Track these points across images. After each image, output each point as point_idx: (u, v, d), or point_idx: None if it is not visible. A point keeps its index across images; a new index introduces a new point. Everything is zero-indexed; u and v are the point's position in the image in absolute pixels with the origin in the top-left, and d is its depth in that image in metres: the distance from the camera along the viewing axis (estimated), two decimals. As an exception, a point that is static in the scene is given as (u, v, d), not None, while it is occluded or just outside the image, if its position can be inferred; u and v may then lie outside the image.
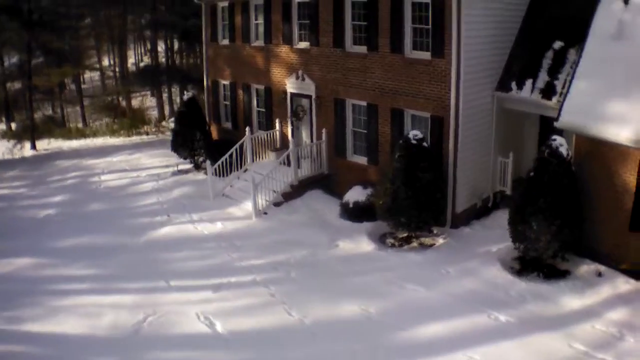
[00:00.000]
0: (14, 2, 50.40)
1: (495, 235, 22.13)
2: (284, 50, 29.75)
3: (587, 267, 19.61)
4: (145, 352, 16.90)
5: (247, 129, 30.39)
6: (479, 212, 24.70)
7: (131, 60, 79.45)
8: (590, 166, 19.86)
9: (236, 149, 29.99)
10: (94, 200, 31.77)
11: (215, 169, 29.62)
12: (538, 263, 19.79)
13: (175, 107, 57.49)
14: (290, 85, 29.68)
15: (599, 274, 19.18)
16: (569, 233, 18.91)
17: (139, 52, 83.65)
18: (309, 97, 28.82)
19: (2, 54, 58.04)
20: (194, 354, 16.63)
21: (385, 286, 19.62)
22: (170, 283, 21.01)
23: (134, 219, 28.12)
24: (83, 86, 72.72)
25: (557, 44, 23.04)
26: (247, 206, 26.71)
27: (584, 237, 19.66)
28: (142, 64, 77.43)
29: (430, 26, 22.99)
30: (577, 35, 22.18)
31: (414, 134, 21.92)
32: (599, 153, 19.71)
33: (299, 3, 28.62)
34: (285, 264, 21.79)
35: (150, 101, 64.76)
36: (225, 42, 34.30)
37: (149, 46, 71.32)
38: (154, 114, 61.24)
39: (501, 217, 22.81)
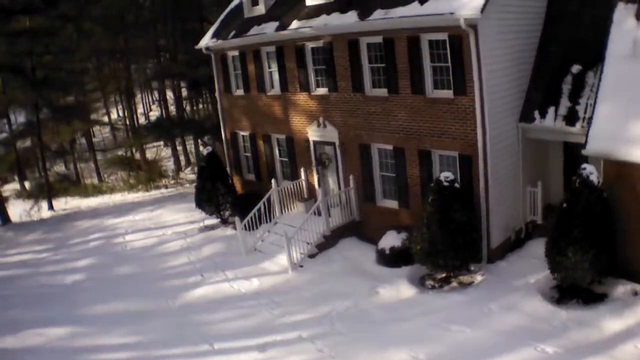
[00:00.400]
0: (18, 61, 51.62)
1: (531, 266, 22.89)
2: (302, 97, 30.35)
3: (623, 288, 20.28)
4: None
5: (273, 181, 31.04)
6: (513, 244, 25.43)
7: (140, 110, 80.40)
8: (621, 188, 20.52)
9: (264, 203, 30.63)
10: (122, 263, 32.34)
11: (245, 224, 30.12)
12: (576, 289, 20.55)
13: (191, 157, 58.80)
14: (312, 133, 30.31)
15: (635, 293, 19.94)
16: (605, 259, 19.78)
17: (147, 100, 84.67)
18: (332, 144, 29.43)
19: (9, 112, 58.93)
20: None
21: (431, 330, 20.24)
22: (214, 346, 21.49)
23: (167, 281, 28.55)
24: (94, 139, 74.37)
25: (575, 68, 23.84)
26: (282, 260, 27.26)
27: (618, 258, 20.38)
28: (152, 116, 78.30)
29: (449, 64, 23.53)
30: (593, 57, 23.03)
31: (445, 176, 22.67)
32: (628, 175, 20.35)
33: (312, 48, 29.25)
34: (328, 316, 22.38)
35: (165, 151, 65.68)
36: (240, 92, 34.85)
37: (156, 95, 72.15)
38: (169, 164, 62.44)
39: (535, 247, 24.09)
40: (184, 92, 63.74)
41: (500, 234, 24.80)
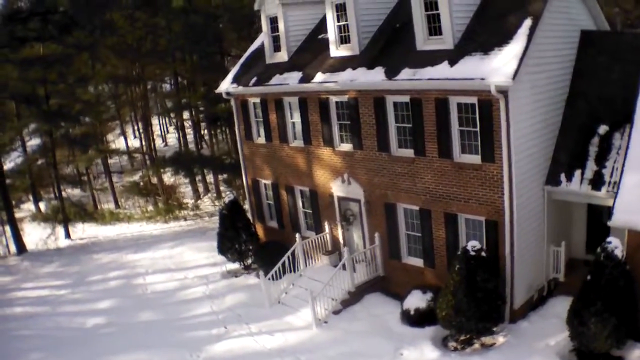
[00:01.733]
0: (31, 89, 52.59)
1: (551, 326, 23.34)
2: (325, 152, 30.51)
3: (639, 352, 20.94)
4: None
5: (298, 235, 31.43)
6: (536, 302, 25.86)
7: (157, 132, 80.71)
8: None
9: (288, 257, 30.92)
10: (143, 308, 32.61)
11: (270, 276, 30.46)
12: (593, 354, 21.14)
13: (209, 187, 59.07)
14: (337, 189, 30.47)
15: None
16: (624, 330, 20.37)
17: (164, 122, 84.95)
18: (357, 201, 29.61)
19: (23, 135, 59.56)
20: None
21: None
22: None
23: (189, 331, 28.74)
24: (110, 161, 74.59)
25: (602, 128, 24.43)
26: (306, 315, 27.46)
27: (638, 322, 20.89)
28: (170, 138, 78.65)
29: (478, 129, 23.76)
30: (621, 116, 23.66)
31: (472, 245, 23.12)
32: None
33: (337, 102, 29.37)
34: None
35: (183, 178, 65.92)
36: (261, 140, 34.91)
37: (174, 120, 72.60)
38: (187, 190, 62.83)
39: (556, 305, 24.65)
40: (202, 124, 64.42)
41: (523, 294, 25.22)
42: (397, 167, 27.33)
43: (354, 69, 27.96)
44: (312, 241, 31.81)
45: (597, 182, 23.77)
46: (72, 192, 68.88)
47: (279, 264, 30.74)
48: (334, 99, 29.50)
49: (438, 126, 25.15)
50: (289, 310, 28.95)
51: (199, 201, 57.97)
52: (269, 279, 30.32)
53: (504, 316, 24.36)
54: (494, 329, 24.20)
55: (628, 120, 22.72)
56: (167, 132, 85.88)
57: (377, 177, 28.36)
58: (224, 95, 36.30)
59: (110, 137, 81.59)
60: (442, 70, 24.17)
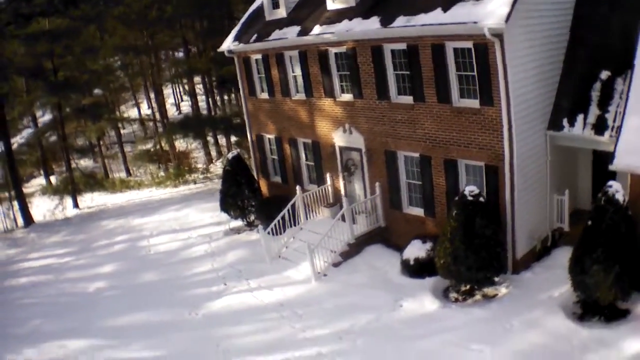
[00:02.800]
0: (38, 63, 52.22)
1: (556, 277, 22.70)
2: (327, 103, 30.43)
3: None
4: None
5: (298, 188, 31.37)
6: (539, 253, 25.35)
7: (170, 101, 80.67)
8: None
9: (288, 209, 30.75)
10: (146, 269, 32.59)
11: (270, 230, 30.29)
12: (599, 305, 20.45)
13: (222, 150, 58.79)
14: (338, 139, 30.43)
15: None
16: (628, 279, 19.60)
17: (177, 91, 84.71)
18: (358, 150, 29.47)
19: (34, 110, 59.44)
20: None
21: (451, 349, 20.23)
22: None
23: (190, 290, 28.69)
24: (123, 131, 74.45)
25: (604, 74, 23.74)
26: (306, 268, 27.24)
27: None
28: (183, 107, 78.44)
29: (475, 73, 23.36)
30: (622, 63, 22.97)
31: (469, 190, 22.62)
32: None
33: (336, 54, 29.24)
34: (349, 332, 22.38)
35: (196, 143, 65.73)
36: (265, 95, 35.07)
37: (186, 87, 72.46)
38: (199, 155, 62.50)
39: (561, 256, 23.68)
40: (215, 90, 64.20)
41: (526, 244, 24.76)
42: (396, 115, 27.07)
43: (350, 19, 27.62)
44: (313, 194, 31.69)
45: (600, 126, 23.17)
46: (84, 164, 69.33)
47: (279, 217, 30.60)
48: (332, 50, 29.34)
49: (436, 72, 24.79)
50: (289, 264, 28.77)
51: (210, 166, 57.50)
52: (269, 233, 30.18)
53: (505, 266, 23.87)
54: (495, 279, 23.78)
55: (630, 66, 21.99)
56: (181, 100, 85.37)
57: (377, 125, 28.16)
58: (226, 54, 36.25)
59: (123, 108, 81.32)
60: (436, 16, 23.77)
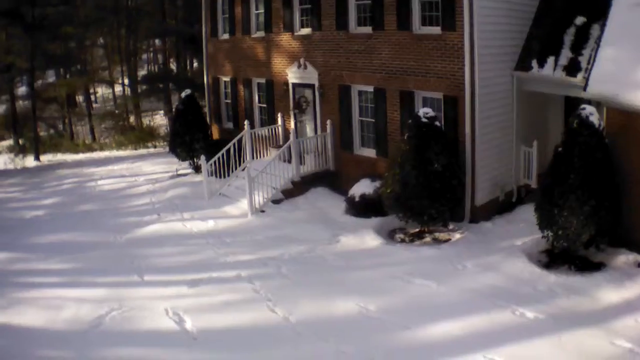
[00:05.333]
0: (15, 7, 49.13)
1: (519, 230, 19.68)
2: (284, 38, 27.64)
3: (624, 258, 16.87)
4: (102, 347, 14.63)
5: (246, 122, 28.21)
6: (502, 206, 22.16)
7: (143, 72, 78.18)
8: (625, 143, 17.16)
9: (234, 145, 27.69)
10: (86, 202, 30.19)
11: (214, 170, 27.49)
12: (569, 255, 17.16)
13: (184, 94, 56.11)
14: (292, 75, 27.45)
15: (639, 265, 16.46)
16: (605, 215, 16.22)
17: (153, 67, 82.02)
18: (312, 86, 26.53)
19: (10, 64, 56.44)
20: (155, 352, 14.24)
21: (390, 282, 16.97)
22: (144, 278, 18.86)
23: (122, 218, 26.27)
24: (95, 105, 72.18)
25: (579, 20, 20.89)
26: (244, 204, 24.33)
27: (620, 225, 17.01)
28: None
29: None
30: (600, 10, 19.98)
31: (424, 111, 19.48)
32: (633, 127, 17.09)
33: None
34: (277, 259, 19.34)
35: (162, 119, 63.27)
36: (226, 36, 32.24)
37: (159, 59, 70.23)
38: (164, 129, 59.81)
39: (526, 212, 20.44)
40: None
41: (487, 191, 21.54)
42: (354, 45, 24.17)
43: None
44: (262, 133, 28.52)
45: (572, 68, 20.08)
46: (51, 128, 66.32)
47: (223, 150, 27.50)
48: None
49: None
50: (228, 200, 25.85)
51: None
52: (214, 174, 27.48)
53: (463, 208, 20.95)
54: (451, 225, 20.69)
55: (607, 11, 19.21)
56: (155, 68, 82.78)
57: (332, 58, 25.16)
58: None
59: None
60: None
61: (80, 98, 69.37)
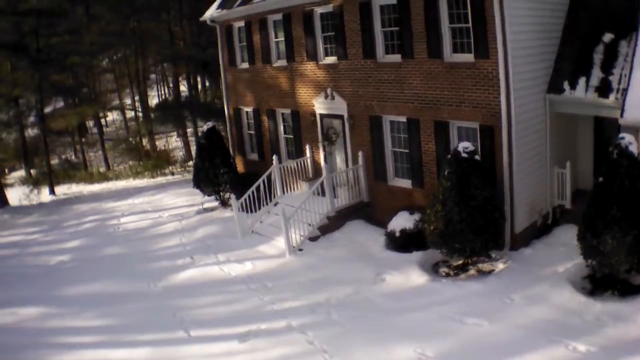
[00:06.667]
0: (20, 39, 49.81)
1: (560, 254, 20.09)
2: (309, 67, 27.74)
3: None
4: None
5: (274, 157, 28.38)
6: (539, 230, 22.51)
7: (155, 100, 78.59)
8: None
9: (263, 181, 27.87)
10: (111, 244, 30.23)
11: (243, 205, 27.53)
12: (611, 280, 17.71)
13: (205, 127, 56.50)
14: (319, 106, 27.64)
15: None
16: None
17: (163, 89, 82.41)
18: (340, 117, 26.74)
19: (17, 97, 57.00)
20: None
21: (443, 323, 17.28)
22: (191, 333, 18.86)
23: (153, 262, 26.30)
24: (106, 129, 72.71)
25: (607, 37, 21.34)
26: (280, 243, 24.53)
27: None
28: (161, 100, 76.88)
29: (470, 24, 20.86)
30: (626, 26, 20.77)
31: (464, 146, 19.72)
32: None
33: (321, 14, 26.74)
34: (324, 304, 19.49)
35: (176, 141, 63.86)
36: (245, 65, 32.32)
37: (171, 84, 70.53)
38: (180, 154, 60.53)
39: (563, 234, 21.53)
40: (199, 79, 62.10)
41: (525, 217, 21.82)
42: (383, 74, 24.27)
43: None
44: (291, 166, 28.73)
45: (604, 89, 20.51)
46: (63, 156, 67.49)
47: (253, 187, 27.66)
48: (318, 10, 26.78)
49: (427, 25, 22.18)
50: (262, 239, 25.96)
51: (190, 162, 54.79)
52: (242, 209, 27.44)
53: (503, 239, 21.16)
54: (493, 254, 20.93)
55: (634, 29, 20.01)
56: (166, 96, 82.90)
57: (362, 88, 25.29)
58: (209, 23, 33.62)
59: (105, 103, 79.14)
60: None
61: (90, 123, 69.90)
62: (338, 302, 19.58)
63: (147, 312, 20.86)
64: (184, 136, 58.61)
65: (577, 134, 23.87)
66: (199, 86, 62.90)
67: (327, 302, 19.63)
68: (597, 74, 20.83)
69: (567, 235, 19.61)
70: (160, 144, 63.11)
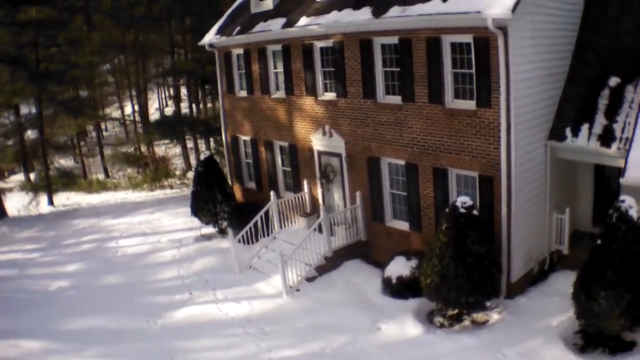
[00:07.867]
0: (19, 52, 50.00)
1: (554, 305, 20.00)
2: (307, 102, 27.64)
3: None
4: None
5: (272, 193, 28.30)
6: (536, 277, 22.42)
7: (155, 106, 78.51)
8: None
9: (261, 216, 27.91)
10: (110, 272, 30.24)
11: (241, 237, 27.66)
12: (602, 336, 17.68)
13: (202, 156, 56.43)
14: (317, 143, 27.56)
15: None
16: None
17: (162, 96, 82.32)
18: (338, 155, 26.65)
19: (18, 104, 57.09)
20: None
21: None
22: None
23: (152, 296, 26.34)
24: (105, 134, 73.01)
25: (613, 81, 21.20)
26: (277, 281, 24.52)
27: None
28: (168, 113, 76.60)
29: (473, 70, 20.62)
30: (633, 69, 20.70)
31: (462, 201, 19.61)
32: None
33: (321, 48, 26.60)
34: (320, 354, 19.54)
35: (175, 150, 63.63)
36: (243, 93, 32.27)
37: (171, 92, 70.35)
38: (179, 162, 60.34)
39: (559, 281, 21.30)
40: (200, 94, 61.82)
41: (522, 266, 21.74)
42: (382, 116, 24.17)
43: (339, 10, 24.74)
44: (289, 201, 28.66)
45: (606, 137, 20.42)
46: (65, 164, 67.44)
47: (251, 224, 27.71)
48: (318, 44, 26.62)
49: (429, 69, 21.91)
50: (259, 276, 26.02)
51: (189, 173, 54.71)
52: (239, 241, 27.57)
53: (499, 289, 20.91)
54: (487, 303, 20.85)
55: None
56: (166, 106, 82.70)
57: (360, 128, 25.24)
58: (207, 47, 33.58)
59: (108, 110, 79.13)
60: (434, 5, 20.84)
61: (90, 127, 69.79)
62: (333, 352, 19.61)
63: (146, 354, 21.02)
64: (183, 147, 58.52)
65: (577, 177, 23.83)
66: (200, 103, 62.60)
67: (323, 351, 19.68)
68: (600, 121, 20.75)
69: (564, 282, 19.58)
70: (160, 150, 63.10)
